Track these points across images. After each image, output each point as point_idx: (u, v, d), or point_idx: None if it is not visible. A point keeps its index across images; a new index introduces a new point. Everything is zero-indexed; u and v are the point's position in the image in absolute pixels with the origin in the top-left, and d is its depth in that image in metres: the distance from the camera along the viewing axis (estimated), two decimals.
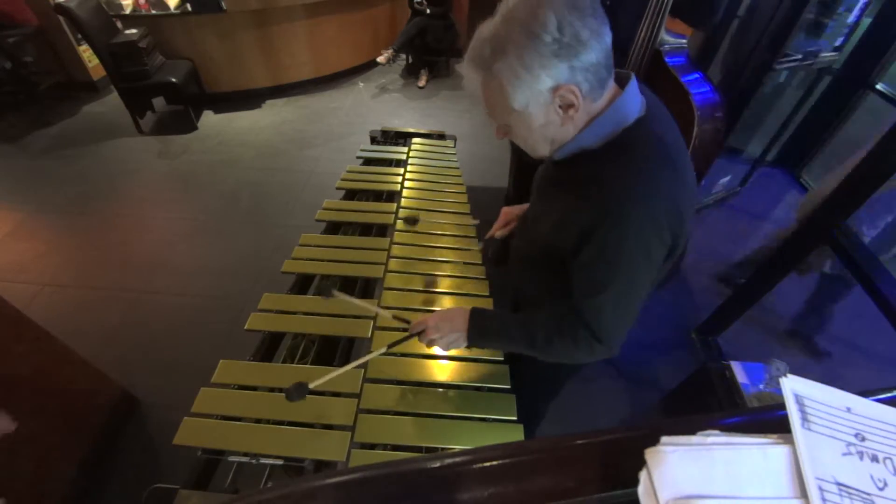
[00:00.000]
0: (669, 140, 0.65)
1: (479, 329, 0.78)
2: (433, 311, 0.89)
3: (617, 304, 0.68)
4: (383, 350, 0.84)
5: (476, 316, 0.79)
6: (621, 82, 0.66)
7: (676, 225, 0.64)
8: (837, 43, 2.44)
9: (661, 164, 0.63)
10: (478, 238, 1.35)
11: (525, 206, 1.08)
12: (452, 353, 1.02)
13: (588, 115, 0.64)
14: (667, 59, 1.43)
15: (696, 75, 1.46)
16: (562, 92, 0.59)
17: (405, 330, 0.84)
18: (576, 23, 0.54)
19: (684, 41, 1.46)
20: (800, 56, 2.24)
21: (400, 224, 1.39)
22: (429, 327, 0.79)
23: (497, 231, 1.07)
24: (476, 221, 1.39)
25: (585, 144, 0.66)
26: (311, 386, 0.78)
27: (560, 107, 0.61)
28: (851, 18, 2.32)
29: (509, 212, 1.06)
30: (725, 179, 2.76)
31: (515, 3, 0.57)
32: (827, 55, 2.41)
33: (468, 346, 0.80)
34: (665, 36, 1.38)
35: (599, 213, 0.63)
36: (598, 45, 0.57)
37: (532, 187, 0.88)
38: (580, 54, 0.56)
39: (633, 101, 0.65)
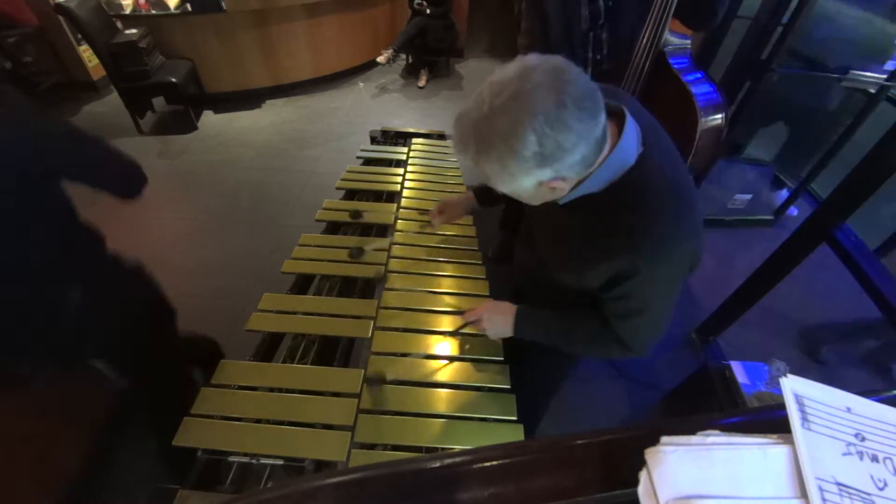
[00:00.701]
0: (671, 170, 0.66)
1: (523, 326, 0.88)
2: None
3: (650, 324, 0.74)
4: (452, 330, 1.03)
5: (520, 315, 0.88)
6: (616, 116, 0.65)
7: (697, 253, 0.69)
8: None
9: (675, 206, 0.65)
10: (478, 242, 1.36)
11: (465, 195, 1.17)
12: (452, 353, 1.02)
13: (581, 179, 0.64)
14: (670, 60, 1.43)
15: (699, 76, 1.46)
16: (549, 185, 0.61)
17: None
18: (559, 136, 0.54)
19: (688, 41, 1.46)
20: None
21: (406, 214, 1.41)
22: (483, 318, 0.90)
23: (435, 220, 1.17)
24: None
25: (589, 191, 0.66)
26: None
27: (547, 188, 0.62)
28: None
29: (446, 201, 1.18)
30: (745, 197, 2.59)
31: (499, 105, 0.54)
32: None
33: (514, 336, 0.89)
34: (669, 36, 1.38)
35: (630, 264, 0.65)
36: (584, 144, 0.56)
37: (528, 219, 0.91)
38: (563, 159, 0.56)
39: (632, 141, 0.64)
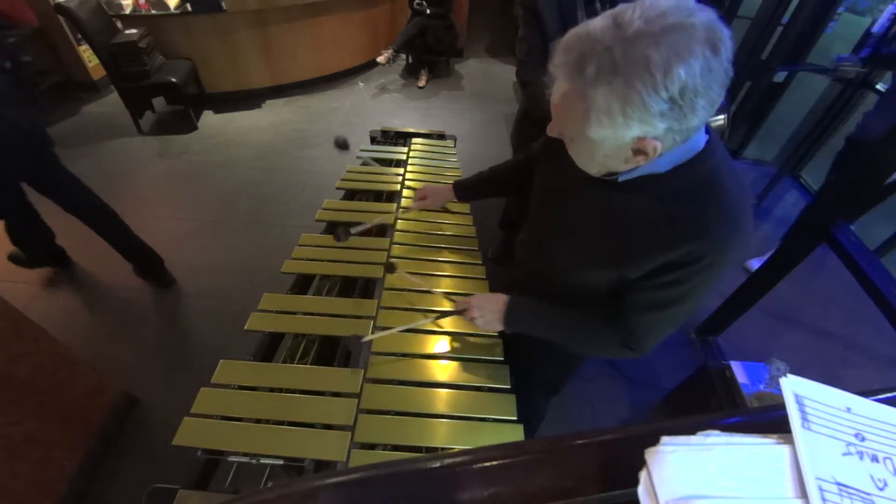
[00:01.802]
0: (732, 162, 0.63)
1: (514, 318, 0.85)
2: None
3: (670, 321, 0.70)
4: (430, 319, 1.00)
5: (511, 307, 0.85)
6: None
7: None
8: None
9: (743, 202, 0.61)
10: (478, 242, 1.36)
11: (446, 187, 1.21)
12: (452, 353, 1.02)
13: (664, 153, 0.58)
14: None
15: None
16: (643, 143, 0.54)
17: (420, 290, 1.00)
18: (700, 90, 0.47)
19: None
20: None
21: (406, 214, 1.43)
22: (472, 306, 0.88)
23: (415, 204, 1.23)
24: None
25: (654, 171, 0.61)
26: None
27: (633, 150, 0.56)
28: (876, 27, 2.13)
29: (429, 188, 1.22)
30: None
31: (654, 31, 0.46)
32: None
33: (505, 330, 0.88)
34: None
35: (690, 254, 0.61)
36: (706, 112, 0.51)
37: (545, 195, 0.84)
38: (684, 119, 0.50)
39: (702, 126, 0.59)
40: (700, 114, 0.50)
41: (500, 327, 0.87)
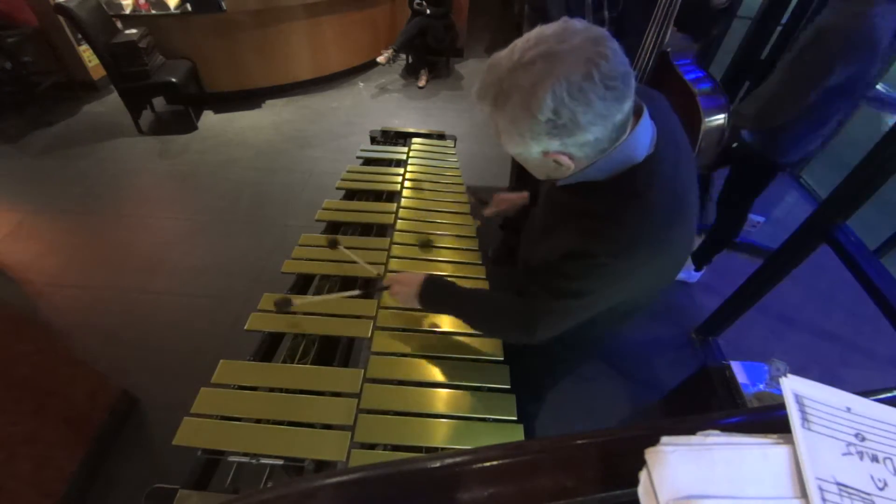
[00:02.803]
0: (676, 182, 0.64)
1: (427, 295, 0.90)
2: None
3: (563, 313, 0.72)
4: (357, 292, 1.04)
5: (426, 284, 0.90)
6: (636, 114, 0.63)
7: (665, 276, 0.69)
8: None
9: (672, 218, 0.63)
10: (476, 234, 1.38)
11: (519, 195, 1.18)
12: (452, 353, 1.02)
13: (588, 163, 0.62)
14: (674, 61, 1.43)
15: (701, 75, 1.46)
16: (554, 157, 0.59)
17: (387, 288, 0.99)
18: (576, 109, 0.52)
19: (692, 42, 1.46)
20: None
21: (406, 213, 1.44)
22: (393, 282, 0.94)
23: (489, 212, 1.22)
24: (478, 223, 1.42)
25: (591, 178, 0.65)
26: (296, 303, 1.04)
27: (554, 161, 0.61)
28: None
29: (503, 198, 1.20)
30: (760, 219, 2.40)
31: (527, 60, 0.53)
32: None
33: (421, 308, 0.92)
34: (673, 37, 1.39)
35: (587, 246, 0.63)
36: (600, 126, 0.54)
37: (538, 198, 0.90)
38: (575, 135, 0.55)
39: (644, 139, 0.62)
40: (592, 129, 0.54)
41: (416, 303, 0.91)
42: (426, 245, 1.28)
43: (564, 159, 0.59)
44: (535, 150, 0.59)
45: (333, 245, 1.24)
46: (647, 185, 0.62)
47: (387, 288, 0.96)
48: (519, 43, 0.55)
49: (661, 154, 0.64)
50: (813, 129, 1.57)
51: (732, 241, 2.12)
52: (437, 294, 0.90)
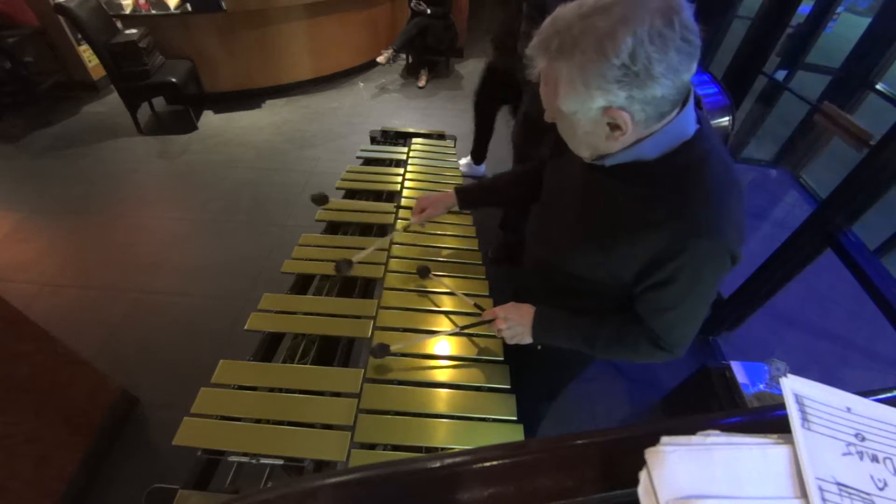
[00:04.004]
0: (726, 154, 0.63)
1: (542, 328, 0.84)
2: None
3: (686, 319, 0.71)
4: (457, 329, 1.01)
5: (540, 317, 0.84)
6: None
7: (741, 242, 0.64)
8: None
9: (729, 187, 0.61)
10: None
11: (441, 194, 1.14)
12: (452, 352, 1.02)
13: (637, 137, 0.60)
14: None
15: (705, 77, 1.46)
16: (612, 114, 0.56)
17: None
18: (653, 55, 0.50)
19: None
20: None
21: (401, 224, 1.41)
22: (499, 317, 0.87)
23: (416, 218, 1.14)
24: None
25: (643, 156, 0.62)
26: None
27: (608, 124, 0.58)
28: None
29: (426, 198, 1.14)
30: None
31: (602, 6, 0.51)
32: None
33: (534, 342, 0.86)
34: None
35: (673, 242, 0.61)
36: (670, 81, 0.52)
37: (552, 185, 0.85)
38: (645, 87, 0.52)
39: (692, 114, 0.61)
40: (662, 82, 0.52)
41: (528, 340, 0.86)
42: (425, 274, 1.18)
43: (624, 119, 0.56)
44: (597, 105, 0.55)
45: (425, 274, 1.16)
46: (700, 160, 0.61)
47: (488, 322, 0.90)
48: None
49: (706, 129, 0.62)
50: None
51: None
52: (552, 327, 0.84)
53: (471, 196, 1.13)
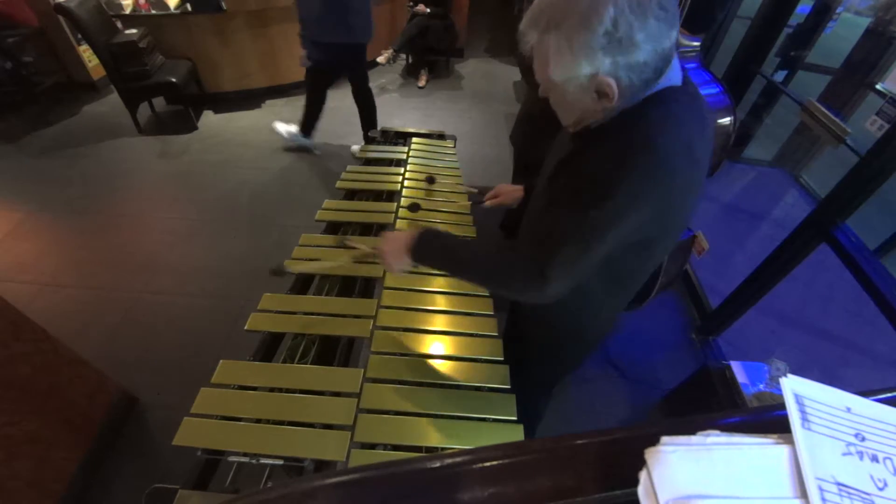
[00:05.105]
0: (690, 129, 0.64)
1: (420, 248, 0.84)
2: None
3: (578, 240, 0.67)
4: (349, 259, 1.09)
5: (420, 236, 0.84)
6: None
7: (688, 175, 0.63)
8: None
9: (690, 104, 0.64)
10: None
11: (517, 187, 1.18)
12: (452, 353, 1.02)
13: (624, 106, 0.64)
14: (680, 64, 1.43)
15: (707, 78, 1.46)
16: (599, 81, 0.60)
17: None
18: (634, 22, 0.54)
19: (697, 44, 1.46)
20: None
21: (404, 212, 1.44)
22: (382, 246, 0.89)
23: (488, 201, 1.22)
24: (475, 190, 1.50)
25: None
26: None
27: (596, 92, 0.62)
28: None
29: (503, 187, 1.20)
30: None
31: None
32: None
33: (414, 264, 0.86)
34: (680, 38, 1.39)
35: (590, 159, 0.65)
36: (651, 47, 0.57)
37: (539, 183, 0.88)
38: (628, 53, 0.57)
39: (676, 68, 0.64)
40: (644, 48, 0.56)
41: (408, 261, 0.86)
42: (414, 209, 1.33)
43: (610, 84, 0.60)
44: (585, 72, 0.60)
45: (343, 244, 1.23)
46: (644, 118, 0.63)
47: (373, 255, 0.95)
48: None
49: (680, 97, 0.64)
50: None
51: None
52: (430, 246, 0.84)
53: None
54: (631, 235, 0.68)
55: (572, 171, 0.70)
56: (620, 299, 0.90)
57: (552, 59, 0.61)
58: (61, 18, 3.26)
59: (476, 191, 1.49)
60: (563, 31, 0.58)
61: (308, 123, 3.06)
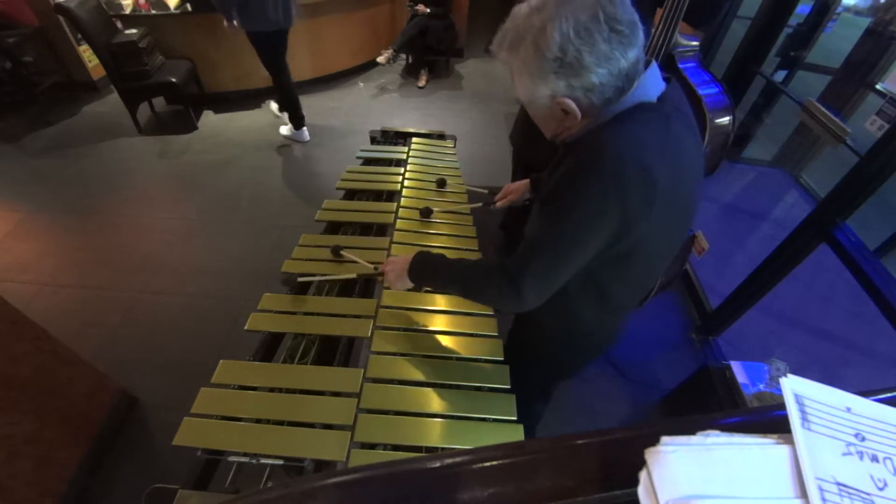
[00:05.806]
0: (674, 135, 0.63)
1: (416, 269, 0.89)
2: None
3: (552, 253, 0.67)
4: (353, 276, 1.14)
5: (416, 258, 0.90)
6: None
7: (644, 192, 0.60)
8: None
9: (656, 123, 0.62)
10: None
11: (521, 182, 1.22)
12: (452, 353, 1.02)
13: (600, 121, 0.64)
14: (679, 64, 1.43)
15: (707, 77, 1.45)
16: (559, 101, 0.62)
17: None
18: (581, 47, 0.55)
19: (696, 44, 1.46)
20: None
21: (411, 214, 1.45)
22: (386, 266, 0.96)
23: (498, 202, 1.25)
24: (485, 191, 1.50)
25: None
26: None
27: (562, 110, 0.63)
28: None
29: (510, 185, 1.24)
30: None
31: (538, 5, 0.58)
32: None
33: (414, 284, 0.92)
34: (679, 38, 1.38)
35: (564, 175, 0.65)
36: (604, 69, 0.57)
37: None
38: (580, 76, 0.58)
39: (653, 84, 0.63)
40: (596, 70, 0.57)
41: (408, 282, 0.91)
42: (427, 213, 1.38)
43: (570, 105, 0.61)
44: (544, 93, 0.62)
45: (337, 253, 1.24)
46: (620, 128, 0.62)
47: (381, 274, 0.99)
48: None
49: (649, 115, 0.63)
50: None
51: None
52: (424, 266, 0.89)
53: (538, 182, 1.19)
54: (603, 249, 0.67)
55: (552, 179, 0.69)
56: (610, 311, 0.87)
57: (516, 79, 0.64)
58: (61, 18, 3.27)
59: (486, 191, 1.50)
60: (520, 54, 0.60)
61: (293, 115, 3.20)
